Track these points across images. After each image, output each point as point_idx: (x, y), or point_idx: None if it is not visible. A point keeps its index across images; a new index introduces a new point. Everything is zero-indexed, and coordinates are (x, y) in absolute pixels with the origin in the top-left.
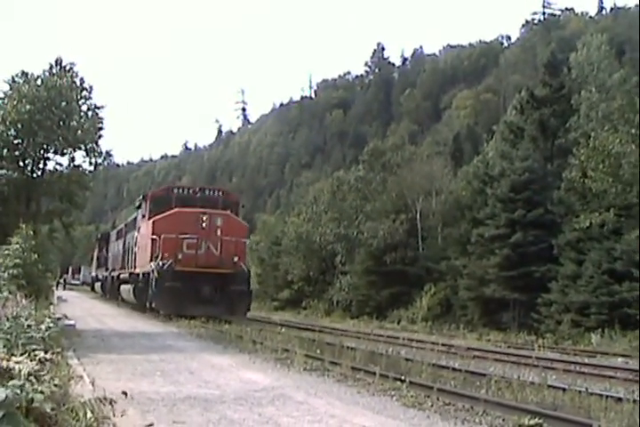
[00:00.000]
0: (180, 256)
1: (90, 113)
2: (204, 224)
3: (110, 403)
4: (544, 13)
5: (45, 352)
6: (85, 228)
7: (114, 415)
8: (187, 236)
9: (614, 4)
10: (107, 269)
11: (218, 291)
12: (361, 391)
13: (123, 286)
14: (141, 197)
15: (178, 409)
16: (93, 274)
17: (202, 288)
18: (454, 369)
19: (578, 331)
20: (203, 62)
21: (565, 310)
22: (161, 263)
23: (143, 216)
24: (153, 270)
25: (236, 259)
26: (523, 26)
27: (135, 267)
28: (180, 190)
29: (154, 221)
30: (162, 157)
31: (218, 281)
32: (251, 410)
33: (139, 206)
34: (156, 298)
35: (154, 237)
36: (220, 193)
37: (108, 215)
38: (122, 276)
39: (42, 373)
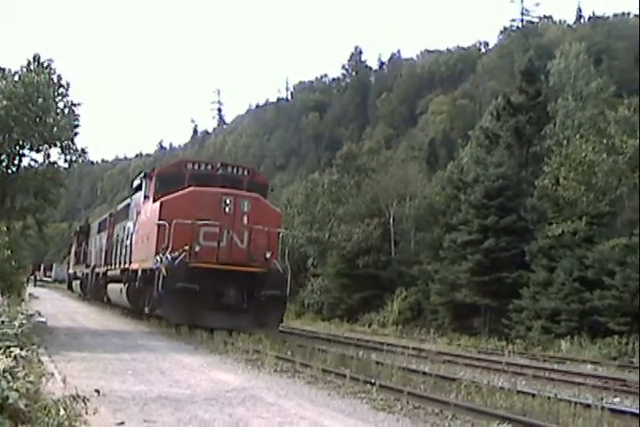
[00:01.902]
0: (197, 248)
1: (66, 110)
2: (227, 209)
3: (83, 401)
4: (522, 20)
5: (20, 349)
6: (58, 225)
7: (86, 413)
8: (206, 222)
9: (593, 13)
10: (87, 266)
11: (245, 295)
12: (331, 394)
13: (111, 286)
14: (142, 174)
15: (149, 408)
16: (71, 271)
17: (225, 291)
18: (424, 373)
19: (548, 337)
20: (179, 61)
21: (536, 316)
22: (170, 257)
23: (146, 198)
24: (159, 266)
25: (268, 254)
26: (501, 32)
27: (130, 262)
28: (196, 166)
29: (162, 203)
30: (137, 156)
31: (245, 282)
32: (221, 410)
33: (136, 188)
34: (163, 303)
35: (162, 222)
36: (246, 172)
37: (81, 213)
38: (110, 273)
39: (16, 369)
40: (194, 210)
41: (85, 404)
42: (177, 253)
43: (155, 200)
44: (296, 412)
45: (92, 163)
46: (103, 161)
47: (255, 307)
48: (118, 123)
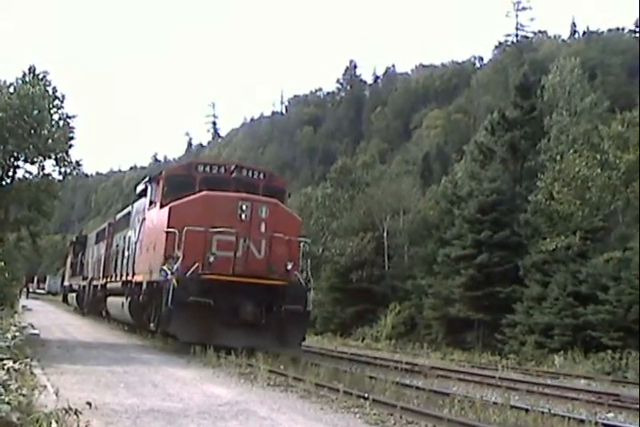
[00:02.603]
0: (210, 259)
1: (61, 122)
2: (243, 215)
3: (75, 414)
4: (517, 35)
5: (13, 362)
6: (52, 237)
7: (78, 426)
8: (220, 230)
9: (587, 28)
10: (84, 278)
11: (263, 311)
12: (324, 408)
13: (111, 300)
14: (147, 178)
15: (141, 422)
16: (66, 283)
17: (241, 306)
18: (418, 388)
19: (541, 352)
20: (174, 74)
21: (529, 331)
22: (180, 268)
23: (151, 204)
24: (168, 278)
25: (289, 265)
26: (495, 47)
27: (133, 274)
28: (208, 168)
29: (171, 208)
30: (131, 169)
31: (264, 296)
32: (214, 424)
33: (140, 194)
34: (173, 319)
35: (171, 230)
36: (262, 175)
37: (75, 225)
38: (109, 286)
39: (9, 382)
40: (206, 216)
41: (78, 417)
42: (188, 264)
43: (162, 206)
44: (289, 426)
45: (87, 175)
46: (97, 173)
47: (275, 323)
48: (113, 135)
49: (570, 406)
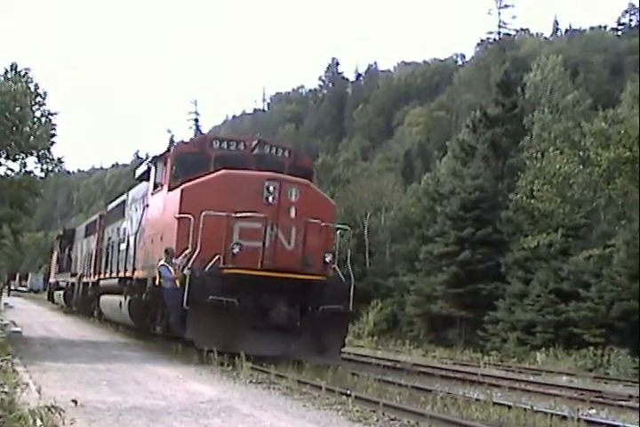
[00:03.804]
0: (235, 250)
1: (43, 119)
2: (270, 198)
3: (58, 411)
4: (499, 33)
5: None
6: (34, 234)
7: (63, 424)
8: (244, 215)
9: (569, 26)
10: (73, 275)
11: (297, 312)
12: (307, 405)
13: (105, 299)
14: (150, 158)
15: (124, 419)
16: (52, 280)
17: (272, 306)
18: (400, 385)
19: (523, 349)
20: (156, 71)
21: (511, 328)
22: (198, 261)
23: (156, 187)
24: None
25: (328, 257)
26: (478, 44)
27: (133, 269)
28: (224, 144)
29: (183, 190)
30: (113, 166)
31: (298, 295)
32: (197, 422)
33: (141, 177)
34: (190, 322)
35: (184, 215)
36: (287, 153)
37: (57, 223)
38: (103, 283)
39: None
40: (226, 199)
41: (61, 414)
42: (205, 257)
43: (171, 188)
44: (271, 423)
45: (69, 172)
46: (79, 171)
47: (311, 327)
48: (95, 132)
49: (552, 402)
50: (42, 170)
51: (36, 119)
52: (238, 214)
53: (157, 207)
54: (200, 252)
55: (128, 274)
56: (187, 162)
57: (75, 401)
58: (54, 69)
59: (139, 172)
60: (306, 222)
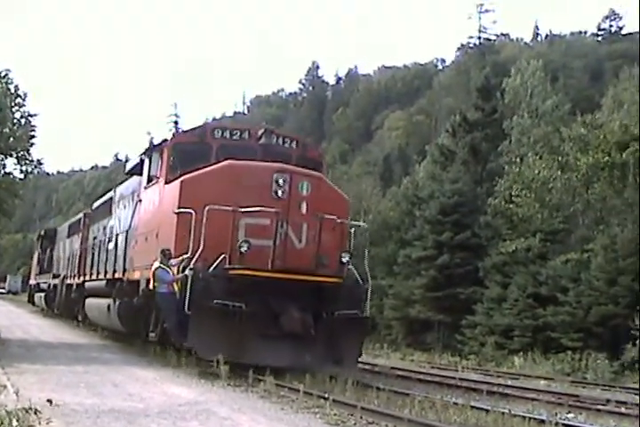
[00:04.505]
0: (243, 248)
1: (23, 120)
2: (280, 191)
3: (35, 413)
4: (480, 38)
5: None
6: (13, 236)
7: (39, 425)
8: (252, 210)
9: (550, 31)
10: (55, 276)
11: (309, 317)
12: (285, 408)
13: (91, 302)
14: (144, 150)
15: (102, 421)
16: (33, 282)
17: (284, 311)
18: (378, 388)
19: (501, 353)
20: (135, 74)
21: (489, 332)
22: (201, 261)
23: (150, 180)
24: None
25: (345, 257)
26: (458, 49)
27: (123, 270)
28: (227, 133)
29: (183, 182)
30: (92, 168)
31: (312, 299)
32: (174, 424)
33: (131, 171)
34: (192, 329)
35: (185, 210)
36: (295, 144)
37: (36, 224)
38: (88, 285)
39: None
40: (231, 193)
41: (38, 416)
42: (208, 256)
43: (168, 181)
44: (249, 426)
45: (48, 174)
46: (59, 172)
47: (326, 334)
48: (74, 134)
49: (530, 406)
50: (21, 171)
51: (15, 120)
52: (246, 209)
53: (152, 202)
54: (203, 250)
55: (118, 275)
56: (186, 152)
57: (49, 401)
58: (34, 71)
59: (129, 165)
60: (321, 218)
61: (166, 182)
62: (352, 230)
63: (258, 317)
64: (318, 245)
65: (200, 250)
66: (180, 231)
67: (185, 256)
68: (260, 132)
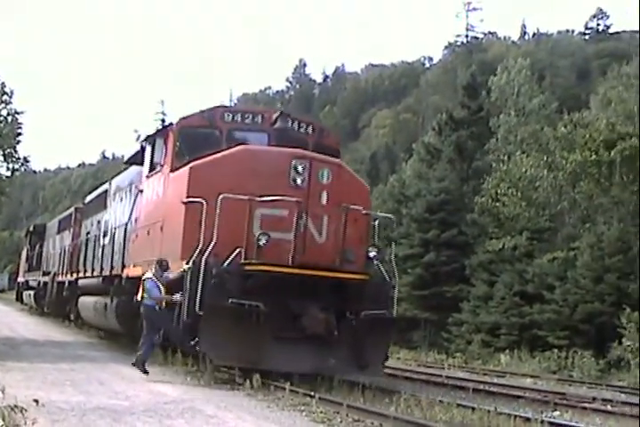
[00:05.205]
0: (261, 242)
1: (9, 118)
2: (299, 179)
3: (21, 411)
4: (467, 36)
5: None
6: None
7: (25, 424)
8: (271, 199)
9: (537, 30)
10: (45, 273)
11: (332, 318)
12: (271, 406)
13: (85, 300)
14: (145, 136)
15: (87, 419)
16: (21, 279)
17: (304, 313)
18: (364, 386)
19: (488, 351)
20: (122, 71)
21: (476, 330)
22: (214, 256)
23: (153, 169)
24: (190, 272)
25: (372, 252)
26: (445, 47)
27: (122, 267)
28: (238, 117)
29: (192, 169)
30: (79, 165)
31: (334, 298)
32: (160, 422)
33: (132, 159)
34: (204, 331)
35: (194, 199)
36: (311, 129)
37: (23, 222)
38: (82, 282)
39: None
40: (245, 181)
41: (24, 414)
42: (220, 250)
43: (174, 169)
44: (235, 424)
45: (35, 172)
46: (45, 170)
47: (350, 336)
48: (61, 132)
49: (516, 404)
50: (7, 169)
51: (2, 118)
52: (264, 198)
53: (155, 192)
54: (214, 245)
55: (115, 272)
56: (193, 137)
57: (36, 401)
58: (20, 68)
59: (130, 155)
60: (346, 209)
61: (172, 170)
62: (376, 222)
63: (276, 317)
64: (343, 239)
65: (213, 243)
66: (188, 223)
67: (198, 245)
68: (274, 116)
